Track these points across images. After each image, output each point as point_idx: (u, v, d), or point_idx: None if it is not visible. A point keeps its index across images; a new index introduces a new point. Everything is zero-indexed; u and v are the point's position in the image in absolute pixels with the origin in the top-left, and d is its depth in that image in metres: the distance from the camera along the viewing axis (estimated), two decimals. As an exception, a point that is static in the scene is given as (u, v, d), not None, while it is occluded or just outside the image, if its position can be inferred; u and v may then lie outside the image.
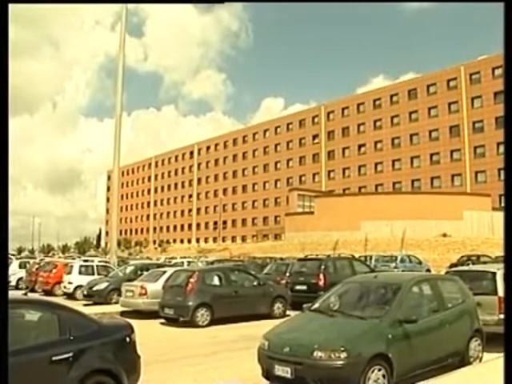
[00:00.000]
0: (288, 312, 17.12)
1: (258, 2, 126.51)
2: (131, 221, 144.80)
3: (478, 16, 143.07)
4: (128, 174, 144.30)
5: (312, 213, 70.97)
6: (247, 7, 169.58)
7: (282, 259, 35.11)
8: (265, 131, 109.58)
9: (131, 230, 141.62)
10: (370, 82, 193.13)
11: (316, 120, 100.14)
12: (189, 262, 33.22)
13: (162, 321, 16.59)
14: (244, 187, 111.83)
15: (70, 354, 6.23)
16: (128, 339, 7.12)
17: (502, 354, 9.32)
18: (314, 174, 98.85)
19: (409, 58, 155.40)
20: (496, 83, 76.33)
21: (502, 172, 74.08)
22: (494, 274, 11.85)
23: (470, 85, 79.79)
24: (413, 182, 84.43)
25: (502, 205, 71.65)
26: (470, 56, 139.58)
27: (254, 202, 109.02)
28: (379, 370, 7.44)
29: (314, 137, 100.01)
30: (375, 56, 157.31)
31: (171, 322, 16.19)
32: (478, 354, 9.58)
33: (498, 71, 76.84)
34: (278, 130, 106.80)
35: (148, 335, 12.65)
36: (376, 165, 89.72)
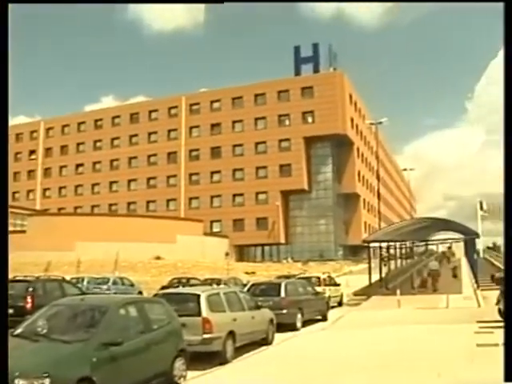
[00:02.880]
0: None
1: (257, 2, 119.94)
2: None
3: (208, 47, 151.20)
4: None
5: (25, 231, 67.34)
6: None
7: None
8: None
9: None
10: (100, 100, 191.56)
11: (34, 135, 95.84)
12: None
13: None
14: None
15: None
16: None
17: (207, 371, 9.81)
18: (28, 191, 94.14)
19: (142, 81, 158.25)
20: (214, 116, 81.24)
21: (215, 199, 78.65)
22: (199, 296, 12.38)
23: (189, 114, 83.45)
24: (129, 204, 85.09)
25: (213, 230, 76.00)
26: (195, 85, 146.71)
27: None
28: (84, 393, 7.25)
29: (31, 152, 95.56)
30: (108, 76, 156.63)
31: None
32: (182, 372, 9.82)
33: (216, 105, 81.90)
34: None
35: None
36: (93, 185, 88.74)
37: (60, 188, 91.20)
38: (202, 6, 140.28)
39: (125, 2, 37.01)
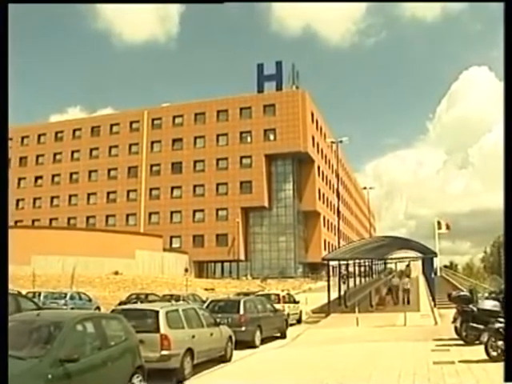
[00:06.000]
0: None
1: (259, 2, 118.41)
2: None
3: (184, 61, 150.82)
4: None
5: (-22, 245, 65.84)
6: None
7: None
8: None
9: None
10: (65, 111, 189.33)
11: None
12: None
13: None
14: None
15: None
16: None
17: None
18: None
19: (110, 93, 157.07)
20: (175, 131, 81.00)
21: (175, 214, 78.17)
22: (157, 312, 12.24)
23: (151, 129, 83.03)
24: (88, 218, 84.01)
25: (173, 246, 75.46)
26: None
27: None
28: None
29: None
30: (76, 86, 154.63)
31: None
32: (139, 390, 9.68)
33: (178, 120, 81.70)
34: None
35: None
36: (52, 198, 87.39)
37: (18, 200, 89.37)
38: (176, 18, 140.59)
39: (118, 2, 37.18)
